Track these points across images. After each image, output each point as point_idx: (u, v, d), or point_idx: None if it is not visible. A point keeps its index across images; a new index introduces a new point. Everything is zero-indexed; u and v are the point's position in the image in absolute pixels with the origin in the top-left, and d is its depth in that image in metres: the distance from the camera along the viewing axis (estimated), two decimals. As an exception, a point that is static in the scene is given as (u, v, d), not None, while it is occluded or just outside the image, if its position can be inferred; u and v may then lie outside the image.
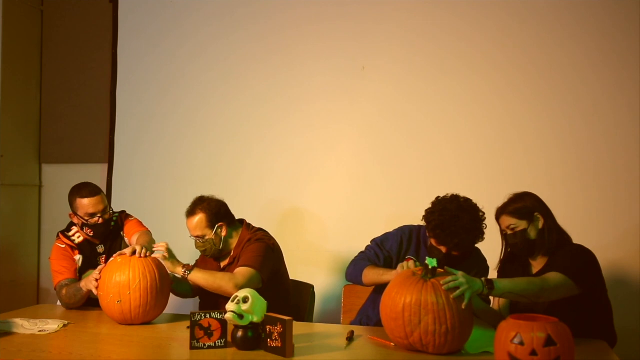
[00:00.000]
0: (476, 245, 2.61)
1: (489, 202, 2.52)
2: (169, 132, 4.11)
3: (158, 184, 4.08)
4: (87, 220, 2.79)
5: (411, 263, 2.38)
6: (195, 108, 4.06)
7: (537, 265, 2.45)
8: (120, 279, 2.47)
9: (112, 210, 2.91)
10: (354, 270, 2.68)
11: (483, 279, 2.13)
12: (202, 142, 4.03)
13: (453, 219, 2.41)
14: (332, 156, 3.76)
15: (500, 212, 2.47)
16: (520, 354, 1.78)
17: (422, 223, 2.57)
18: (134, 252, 2.53)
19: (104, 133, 4.27)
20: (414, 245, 2.66)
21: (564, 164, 3.39)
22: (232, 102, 3.98)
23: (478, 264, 2.61)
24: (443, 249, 2.48)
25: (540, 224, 2.41)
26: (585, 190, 3.35)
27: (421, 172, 3.57)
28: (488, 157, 3.51)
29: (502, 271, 2.56)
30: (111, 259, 2.62)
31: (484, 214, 2.48)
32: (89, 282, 2.62)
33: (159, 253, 2.57)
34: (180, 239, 2.85)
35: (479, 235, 2.48)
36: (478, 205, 2.50)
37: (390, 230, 2.77)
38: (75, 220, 2.86)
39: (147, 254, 2.54)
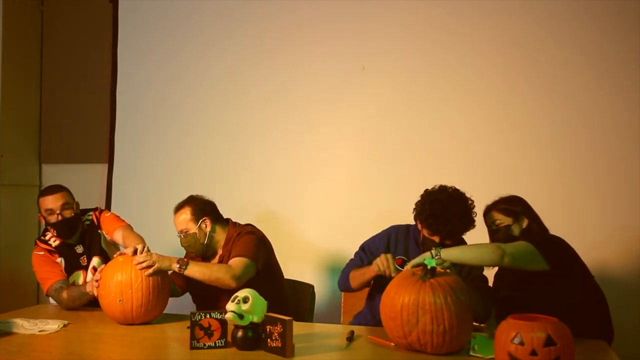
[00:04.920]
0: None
1: (487, 202, 2.56)
2: (169, 132, 4.11)
3: (158, 184, 4.08)
4: (46, 218, 2.80)
5: (383, 256, 2.47)
6: (195, 108, 4.06)
7: None
8: (122, 278, 2.47)
9: (77, 207, 2.84)
10: (342, 279, 2.77)
11: (433, 250, 2.22)
12: (202, 141, 4.03)
13: (443, 207, 2.46)
14: (332, 156, 3.76)
15: (488, 209, 2.55)
16: (520, 354, 1.78)
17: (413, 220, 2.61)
18: (135, 252, 2.51)
19: (104, 133, 4.27)
20: (402, 244, 2.69)
21: (563, 166, 3.41)
22: (232, 102, 3.98)
23: None
24: (436, 239, 2.51)
25: (525, 224, 2.49)
26: (579, 191, 3.37)
27: (421, 173, 3.56)
28: (488, 158, 3.51)
29: (498, 275, 2.60)
30: (113, 258, 2.62)
31: (473, 202, 2.52)
32: (91, 286, 2.62)
33: (145, 266, 2.48)
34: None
35: (470, 222, 2.51)
36: (467, 195, 2.54)
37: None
38: (43, 222, 2.86)
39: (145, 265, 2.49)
